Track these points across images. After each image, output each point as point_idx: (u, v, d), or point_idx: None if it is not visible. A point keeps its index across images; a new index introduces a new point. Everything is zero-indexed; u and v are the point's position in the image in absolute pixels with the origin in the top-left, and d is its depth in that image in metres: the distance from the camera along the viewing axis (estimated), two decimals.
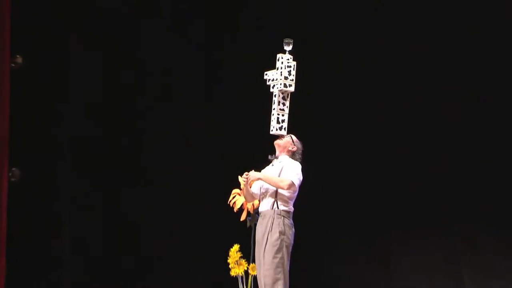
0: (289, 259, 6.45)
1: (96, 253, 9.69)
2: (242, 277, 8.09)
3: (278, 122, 6.56)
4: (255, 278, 7.87)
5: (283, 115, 6.58)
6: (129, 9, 10.07)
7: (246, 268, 8.07)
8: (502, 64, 9.40)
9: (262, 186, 6.60)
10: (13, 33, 7.66)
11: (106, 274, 9.77)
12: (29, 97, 8.76)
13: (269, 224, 6.35)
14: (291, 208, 6.49)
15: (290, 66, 6.59)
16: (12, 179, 7.91)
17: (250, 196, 6.90)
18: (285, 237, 6.30)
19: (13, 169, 7.94)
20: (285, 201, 6.42)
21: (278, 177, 6.42)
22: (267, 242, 6.32)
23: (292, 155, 6.60)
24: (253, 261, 7.73)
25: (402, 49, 9.92)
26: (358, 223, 10.19)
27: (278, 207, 6.37)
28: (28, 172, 8.27)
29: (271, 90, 6.66)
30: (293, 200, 6.53)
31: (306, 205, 9.76)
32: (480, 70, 9.50)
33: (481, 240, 9.41)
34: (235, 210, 7.81)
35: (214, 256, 9.11)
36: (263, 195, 6.58)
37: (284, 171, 6.47)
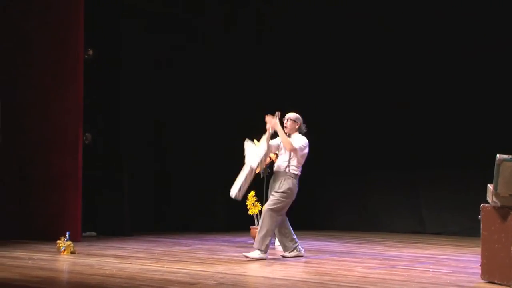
0: (287, 208, 7.11)
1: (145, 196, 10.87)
2: (257, 215, 8.90)
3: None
4: None
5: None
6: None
7: (260, 209, 8.84)
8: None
9: (280, 150, 7.20)
10: (86, 31, 9.14)
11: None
12: (98, 81, 9.90)
13: (282, 182, 7.05)
14: (299, 172, 7.12)
15: None
16: (86, 142, 9.48)
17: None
18: (290, 193, 7.04)
19: (86, 134, 9.48)
20: (295, 166, 7.10)
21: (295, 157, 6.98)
22: (276, 193, 7.06)
23: (299, 128, 7.20)
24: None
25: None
26: (343, 173, 11.34)
27: (290, 170, 7.07)
28: (97, 137, 9.78)
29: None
30: (301, 166, 7.18)
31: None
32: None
33: (436, 183, 10.50)
34: None
35: (236, 200, 10.16)
36: (279, 157, 7.19)
37: (294, 141, 7.03)
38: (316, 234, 10.37)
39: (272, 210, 7.02)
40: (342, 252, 7.83)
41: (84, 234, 9.44)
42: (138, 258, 7.05)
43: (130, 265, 6.46)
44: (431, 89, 10.46)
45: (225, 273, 5.96)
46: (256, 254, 6.98)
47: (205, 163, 11.05)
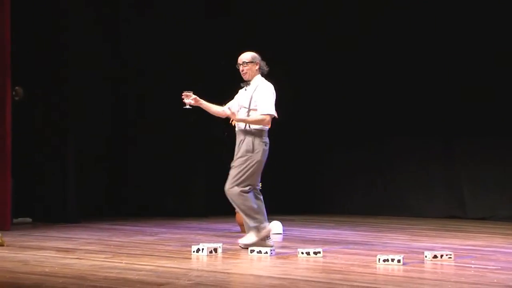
0: (259, 174, 7.19)
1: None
2: None
3: None
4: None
5: None
6: None
7: None
8: None
9: (239, 106, 7.31)
10: None
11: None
12: (29, 20, 9.75)
13: (240, 143, 7.23)
14: (263, 127, 7.18)
15: None
16: (16, 98, 9.31)
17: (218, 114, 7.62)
18: (252, 154, 7.13)
19: (16, 88, 9.31)
20: None
21: (256, 111, 7.07)
22: (236, 160, 7.23)
23: (260, 69, 7.29)
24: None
25: None
26: (356, 142, 11.34)
27: (249, 127, 7.16)
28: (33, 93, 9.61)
29: None
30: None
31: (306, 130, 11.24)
32: None
33: (480, 155, 10.51)
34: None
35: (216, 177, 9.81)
36: (239, 112, 7.25)
37: (257, 99, 7.09)
38: (322, 220, 10.40)
39: (237, 186, 7.14)
40: (356, 243, 7.88)
41: (15, 220, 9.42)
42: (88, 251, 7.07)
43: (77, 260, 6.47)
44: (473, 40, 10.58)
45: (203, 270, 5.98)
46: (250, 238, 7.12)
47: (176, 128, 11.00)
